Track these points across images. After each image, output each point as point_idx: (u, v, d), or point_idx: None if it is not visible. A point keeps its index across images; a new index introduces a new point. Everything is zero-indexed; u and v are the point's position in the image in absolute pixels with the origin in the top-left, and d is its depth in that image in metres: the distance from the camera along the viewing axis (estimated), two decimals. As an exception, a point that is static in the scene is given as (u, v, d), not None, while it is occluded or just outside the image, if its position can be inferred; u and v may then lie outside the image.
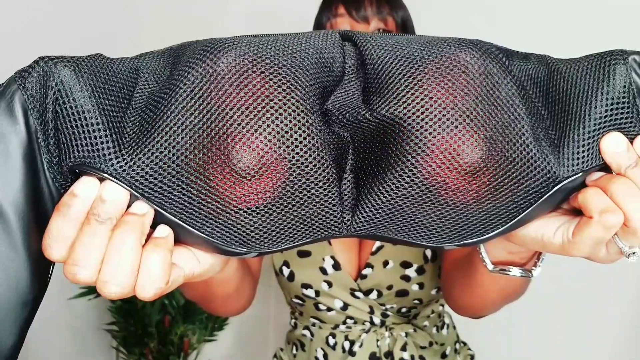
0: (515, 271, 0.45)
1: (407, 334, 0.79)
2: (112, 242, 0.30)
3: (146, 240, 0.31)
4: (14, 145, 0.29)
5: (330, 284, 0.77)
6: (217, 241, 0.32)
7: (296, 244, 0.34)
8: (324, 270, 0.77)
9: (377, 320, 0.79)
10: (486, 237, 0.34)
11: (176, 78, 0.30)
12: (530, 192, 0.32)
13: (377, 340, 0.78)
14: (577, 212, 0.35)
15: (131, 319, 1.48)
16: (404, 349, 0.78)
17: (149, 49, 0.37)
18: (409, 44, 0.33)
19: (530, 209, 0.33)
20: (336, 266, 0.77)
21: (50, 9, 1.51)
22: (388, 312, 0.78)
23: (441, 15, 1.30)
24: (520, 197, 0.33)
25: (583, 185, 0.33)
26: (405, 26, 0.81)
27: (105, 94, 0.30)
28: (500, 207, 0.33)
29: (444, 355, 0.83)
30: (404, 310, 0.79)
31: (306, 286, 0.78)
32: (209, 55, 0.30)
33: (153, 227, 0.32)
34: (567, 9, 1.19)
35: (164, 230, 0.32)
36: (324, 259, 0.77)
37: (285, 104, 0.30)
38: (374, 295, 0.77)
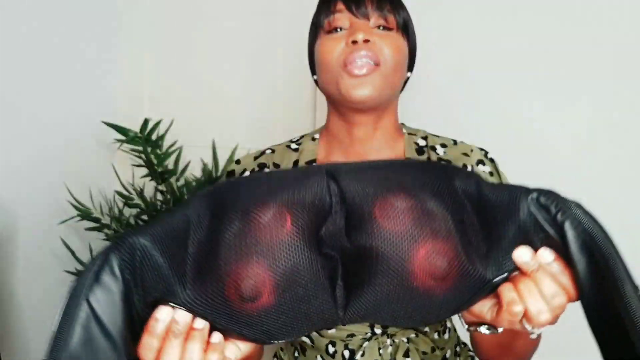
0: (483, 329, 0.53)
1: (409, 340, 0.77)
2: (185, 351, 0.45)
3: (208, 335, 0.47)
4: (117, 294, 0.44)
5: None
6: (251, 338, 0.47)
7: (305, 334, 0.50)
8: None
9: (378, 331, 0.78)
10: (441, 319, 0.49)
11: (218, 240, 0.45)
12: (469, 290, 0.46)
13: (379, 349, 0.77)
14: None
15: (131, 319, 1.48)
16: (406, 355, 0.77)
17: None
18: (372, 180, 0.47)
19: (469, 302, 0.47)
20: None
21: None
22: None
23: (442, 17, 1.30)
24: (462, 294, 0.46)
25: (507, 279, 0.46)
26: (406, 27, 0.80)
27: (171, 250, 0.45)
28: (449, 302, 0.46)
29: (444, 359, 0.82)
30: None
31: None
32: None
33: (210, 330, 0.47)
34: (565, 9, 1.19)
35: (216, 337, 0.47)
36: None
37: (295, 247, 0.44)
38: None
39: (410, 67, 0.84)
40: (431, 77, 1.27)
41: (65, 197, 1.53)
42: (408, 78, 0.84)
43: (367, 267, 0.45)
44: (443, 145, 0.84)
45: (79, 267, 1.51)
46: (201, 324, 0.46)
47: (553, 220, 0.45)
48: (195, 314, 0.45)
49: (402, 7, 0.80)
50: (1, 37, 1.38)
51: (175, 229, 0.46)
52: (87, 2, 1.63)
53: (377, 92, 0.75)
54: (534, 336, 0.47)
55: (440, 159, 0.82)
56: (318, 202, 0.46)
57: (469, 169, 0.81)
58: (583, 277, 0.44)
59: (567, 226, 0.44)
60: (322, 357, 0.80)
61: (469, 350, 0.90)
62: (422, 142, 0.85)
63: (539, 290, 0.45)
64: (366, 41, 0.74)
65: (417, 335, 0.78)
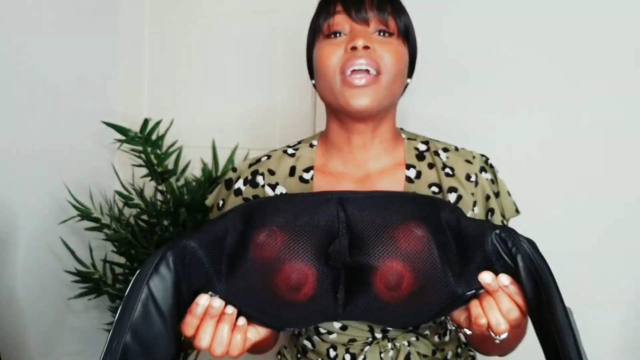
0: (466, 330, 0.63)
1: (409, 343, 0.77)
2: (217, 330, 0.59)
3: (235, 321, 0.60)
4: (170, 282, 0.58)
5: None
6: (268, 324, 0.62)
7: (311, 325, 0.64)
8: None
9: (378, 335, 0.77)
10: (422, 323, 0.66)
11: (245, 246, 0.59)
12: (443, 300, 0.59)
13: (381, 353, 0.77)
14: None
15: (131, 318, 1.48)
16: (407, 358, 0.76)
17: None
18: (378, 213, 0.59)
19: (445, 310, 0.60)
20: None
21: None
22: (388, 328, 0.77)
23: (441, 20, 1.30)
24: (437, 304, 0.59)
25: (476, 295, 0.59)
26: (407, 32, 0.78)
27: (212, 251, 0.59)
28: (427, 309, 0.60)
29: None
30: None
31: None
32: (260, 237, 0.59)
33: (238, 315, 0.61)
34: (564, 13, 1.19)
35: (241, 321, 0.60)
36: None
37: (307, 256, 0.58)
38: None
39: (410, 73, 0.83)
40: (429, 81, 1.28)
41: (65, 197, 1.54)
42: (407, 84, 0.83)
43: (363, 278, 0.59)
44: (445, 150, 0.84)
45: (79, 267, 1.51)
46: (231, 309, 0.59)
47: (509, 252, 0.58)
48: (227, 302, 0.59)
49: (403, 11, 0.78)
50: (1, 37, 1.38)
51: (216, 235, 0.60)
52: (87, 2, 1.63)
53: (376, 102, 0.74)
54: (497, 341, 0.59)
55: (444, 165, 0.81)
56: (329, 226, 0.60)
57: (473, 177, 0.81)
58: (530, 298, 0.56)
59: (519, 258, 0.57)
60: None
61: (470, 350, 0.91)
62: (422, 147, 0.84)
63: (498, 306, 0.57)
64: (366, 48, 0.72)
65: (417, 339, 0.78)
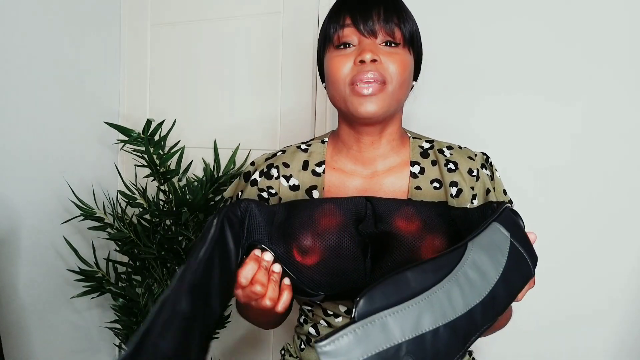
0: None
1: None
2: (268, 287, 0.67)
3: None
4: (230, 234, 0.67)
5: None
6: (304, 284, 0.71)
7: (341, 290, 0.71)
8: None
9: None
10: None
11: (290, 221, 0.73)
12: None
13: None
14: None
15: (134, 317, 1.50)
16: None
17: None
18: (391, 203, 0.76)
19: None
20: None
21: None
22: None
23: (441, 22, 1.31)
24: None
25: None
26: (412, 40, 0.82)
27: (265, 218, 0.72)
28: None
29: None
30: None
31: None
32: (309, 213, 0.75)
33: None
34: (564, 14, 1.21)
35: (287, 280, 0.70)
36: None
37: (344, 230, 0.72)
38: None
39: (416, 76, 0.87)
40: (431, 82, 1.29)
41: (69, 196, 1.55)
42: (413, 86, 0.87)
43: (388, 244, 0.72)
44: (449, 148, 0.89)
45: (82, 266, 1.53)
46: (277, 267, 0.70)
47: (493, 210, 0.72)
48: (275, 258, 0.71)
49: (409, 19, 0.82)
50: (4, 39, 1.39)
51: (268, 211, 0.74)
52: (90, 3, 1.65)
53: (383, 109, 0.78)
54: None
55: (448, 160, 0.86)
56: (359, 211, 0.75)
57: (475, 172, 0.86)
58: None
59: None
60: None
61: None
62: (426, 145, 0.89)
63: None
64: (373, 61, 0.77)
65: None
